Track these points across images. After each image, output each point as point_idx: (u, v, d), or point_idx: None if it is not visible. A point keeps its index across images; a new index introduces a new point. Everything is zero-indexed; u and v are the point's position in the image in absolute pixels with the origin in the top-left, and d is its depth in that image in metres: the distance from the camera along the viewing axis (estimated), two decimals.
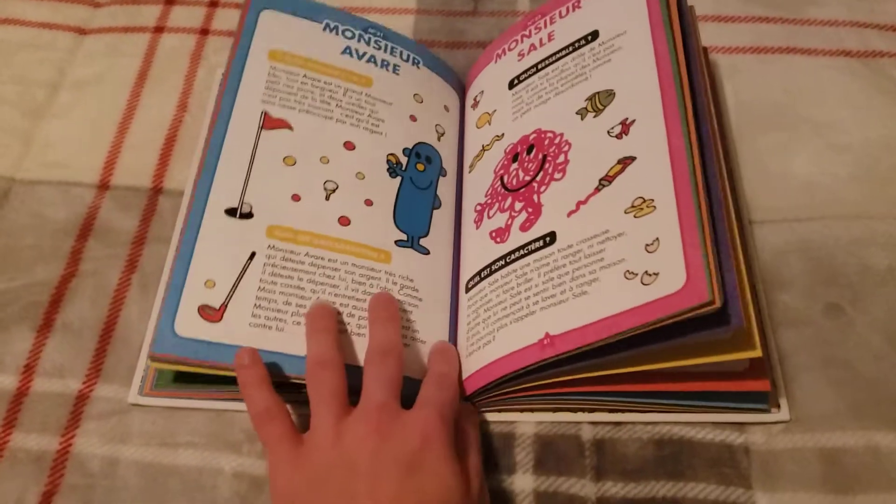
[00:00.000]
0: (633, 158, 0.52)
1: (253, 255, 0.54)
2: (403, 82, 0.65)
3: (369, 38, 0.65)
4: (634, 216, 0.50)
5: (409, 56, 0.66)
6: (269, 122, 0.59)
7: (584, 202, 0.53)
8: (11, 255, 0.61)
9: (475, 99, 0.66)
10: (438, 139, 0.64)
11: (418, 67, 0.66)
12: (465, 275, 0.58)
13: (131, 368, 0.56)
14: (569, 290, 0.50)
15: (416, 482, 0.45)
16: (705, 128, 0.53)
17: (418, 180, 0.61)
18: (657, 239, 0.48)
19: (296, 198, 0.57)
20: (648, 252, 0.48)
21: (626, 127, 0.54)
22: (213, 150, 0.57)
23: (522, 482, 0.51)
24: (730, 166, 0.62)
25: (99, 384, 0.55)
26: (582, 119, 0.57)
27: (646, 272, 0.48)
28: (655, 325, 0.46)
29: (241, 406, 0.53)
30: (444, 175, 0.62)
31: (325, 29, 0.64)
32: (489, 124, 0.63)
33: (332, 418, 0.47)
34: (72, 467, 0.52)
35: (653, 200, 0.50)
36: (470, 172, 0.63)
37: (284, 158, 0.58)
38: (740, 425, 0.52)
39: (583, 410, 0.53)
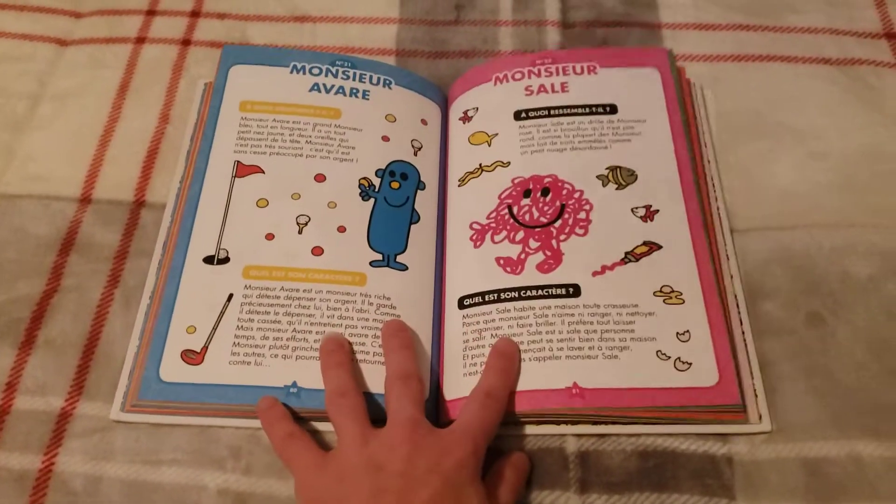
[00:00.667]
0: (658, 245, 0.58)
1: (231, 296, 0.56)
2: (373, 106, 0.66)
3: (337, 71, 0.67)
4: (664, 301, 0.55)
5: (379, 79, 0.67)
6: (241, 171, 0.62)
7: (611, 268, 0.57)
8: None
9: (466, 113, 0.67)
10: (415, 154, 0.64)
11: (390, 88, 0.67)
12: (460, 290, 0.58)
13: (113, 385, 0.55)
14: (598, 349, 0.54)
15: (449, 498, 0.45)
16: None
17: (392, 199, 0.62)
18: (688, 332, 0.54)
19: (269, 236, 0.59)
20: (680, 341, 0.54)
21: (650, 213, 0.59)
22: (191, 205, 0.60)
23: None
24: (711, 175, 0.63)
25: (81, 401, 0.55)
26: (603, 186, 0.61)
27: (679, 359, 0.53)
28: (689, 409, 0.52)
29: (225, 422, 0.54)
30: (423, 188, 0.63)
31: (292, 71, 0.67)
32: (489, 146, 0.64)
33: (358, 428, 0.49)
34: (54, 486, 0.52)
35: (681, 294, 0.56)
36: (461, 186, 0.63)
37: (257, 201, 0.61)
38: (723, 436, 0.53)
39: (566, 423, 0.53)
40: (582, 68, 0.67)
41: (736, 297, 0.57)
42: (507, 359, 0.53)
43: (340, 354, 0.53)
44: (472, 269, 0.59)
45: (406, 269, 0.58)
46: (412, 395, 0.50)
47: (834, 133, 0.66)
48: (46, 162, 0.67)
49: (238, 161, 0.62)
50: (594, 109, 0.65)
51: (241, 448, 0.53)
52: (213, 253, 0.58)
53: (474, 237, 0.60)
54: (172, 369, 0.54)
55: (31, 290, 0.60)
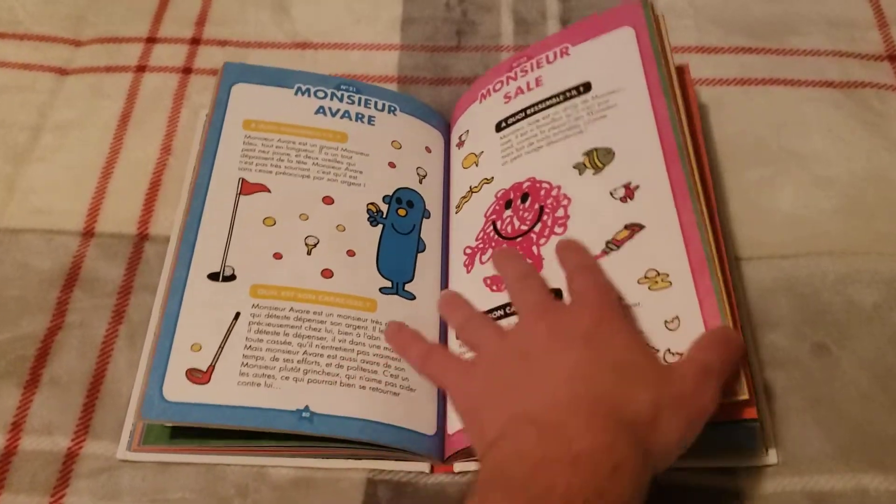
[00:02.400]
0: (640, 226, 0.53)
1: (238, 315, 0.55)
2: (379, 132, 0.65)
3: (342, 95, 0.66)
4: (649, 288, 0.51)
5: (384, 105, 0.67)
6: (246, 188, 0.61)
7: None
8: None
9: (460, 138, 0.66)
10: (420, 182, 0.64)
11: (395, 115, 0.66)
12: None
13: (120, 423, 0.56)
14: None
15: (593, 353, 0.45)
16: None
17: (400, 226, 0.61)
18: (677, 317, 0.49)
19: (277, 256, 0.58)
20: (669, 329, 0.49)
21: (629, 191, 0.55)
22: (193, 220, 0.59)
23: None
24: (716, 201, 0.62)
25: (88, 440, 0.55)
26: (580, 174, 0.57)
27: (668, 350, 0.49)
28: None
29: (232, 459, 0.54)
30: (429, 217, 0.62)
31: (296, 93, 0.66)
32: (476, 165, 0.63)
33: (493, 328, 0.51)
34: None
35: (668, 276, 0.51)
36: (457, 213, 0.63)
37: (264, 220, 0.60)
38: (731, 469, 0.53)
39: None
40: (554, 54, 0.63)
41: (742, 327, 0.57)
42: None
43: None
44: (467, 294, 0.58)
45: (414, 298, 0.58)
46: (534, 288, 0.51)
47: (838, 158, 0.65)
48: (48, 195, 0.67)
49: (243, 178, 0.61)
50: (567, 94, 0.61)
51: (247, 486, 0.53)
52: (217, 269, 0.57)
53: (466, 262, 0.60)
54: (177, 388, 0.52)
55: (36, 327, 0.59)
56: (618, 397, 0.42)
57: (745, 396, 0.47)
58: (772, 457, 0.53)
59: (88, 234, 0.64)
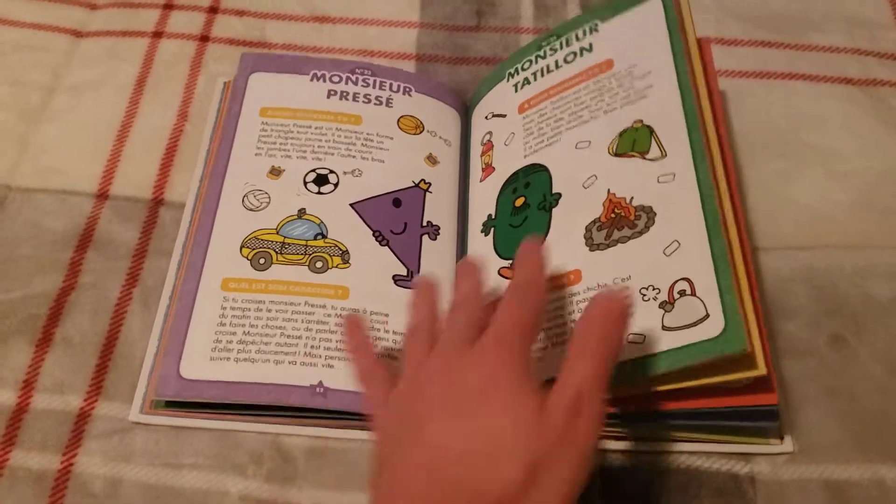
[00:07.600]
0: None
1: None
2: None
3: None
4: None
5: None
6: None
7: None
8: (8, 265, 0.60)
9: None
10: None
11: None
12: None
13: (133, 385, 0.55)
14: None
15: (460, 426, 0.41)
16: None
17: None
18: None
19: None
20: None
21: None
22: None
23: None
24: (736, 190, 0.62)
25: (100, 401, 0.54)
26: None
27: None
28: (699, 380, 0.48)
29: (247, 426, 0.53)
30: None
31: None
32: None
33: (413, 356, 0.47)
34: (73, 487, 0.51)
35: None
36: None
37: None
38: (746, 455, 0.52)
39: None
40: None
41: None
42: (530, 261, 0.47)
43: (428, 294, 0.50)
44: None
45: None
46: (457, 320, 0.46)
47: (855, 154, 0.66)
48: (61, 155, 0.66)
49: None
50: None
51: (262, 454, 0.53)
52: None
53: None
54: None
55: (48, 286, 0.59)
56: (480, 481, 0.39)
57: (761, 372, 0.47)
58: (787, 445, 0.53)
59: (103, 196, 0.63)
